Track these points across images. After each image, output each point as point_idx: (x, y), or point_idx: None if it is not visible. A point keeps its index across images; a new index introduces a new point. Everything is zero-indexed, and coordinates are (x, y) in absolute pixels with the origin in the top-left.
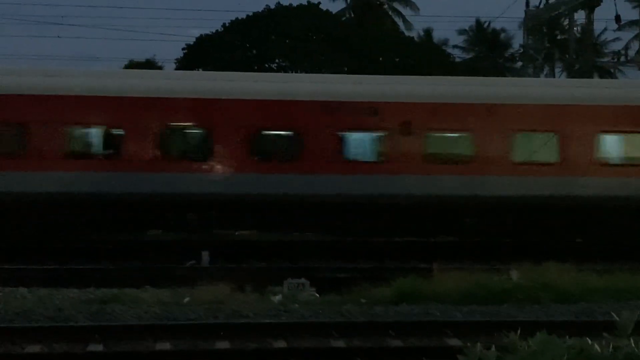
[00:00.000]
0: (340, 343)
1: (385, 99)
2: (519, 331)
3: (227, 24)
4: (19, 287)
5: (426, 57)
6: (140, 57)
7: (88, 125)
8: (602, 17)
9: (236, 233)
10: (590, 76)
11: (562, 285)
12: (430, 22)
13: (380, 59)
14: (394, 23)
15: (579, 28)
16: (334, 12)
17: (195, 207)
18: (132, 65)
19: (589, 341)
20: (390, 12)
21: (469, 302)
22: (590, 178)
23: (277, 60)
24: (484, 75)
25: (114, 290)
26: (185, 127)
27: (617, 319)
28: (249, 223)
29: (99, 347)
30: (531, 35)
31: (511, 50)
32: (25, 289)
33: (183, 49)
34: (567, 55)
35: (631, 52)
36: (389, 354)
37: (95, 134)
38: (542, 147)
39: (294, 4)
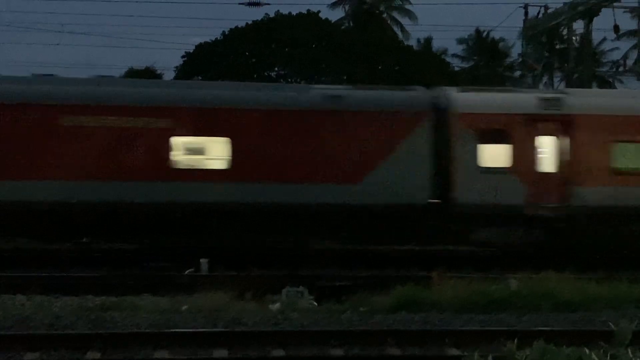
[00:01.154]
0: (339, 351)
1: None
2: (515, 340)
3: (226, 32)
4: (17, 294)
5: (426, 65)
6: (140, 65)
7: None
8: (601, 27)
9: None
10: (590, 86)
11: (560, 294)
12: (429, 31)
13: (380, 67)
14: (393, 32)
15: (577, 37)
16: (333, 21)
17: None
18: (131, 73)
19: (587, 350)
20: (389, 21)
21: (468, 311)
22: None
23: (276, 69)
24: (483, 84)
25: (112, 297)
26: None
27: (615, 328)
28: None
29: (97, 355)
30: (530, 45)
31: (510, 60)
32: (23, 296)
33: (183, 56)
34: (566, 65)
35: (629, 62)
36: None
37: None
38: None
39: (294, 13)
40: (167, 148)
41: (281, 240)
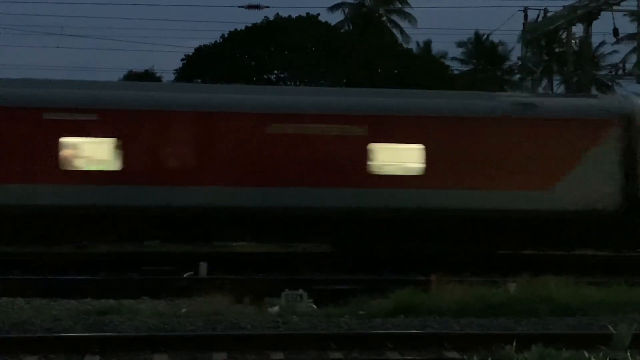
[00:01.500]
0: (338, 355)
1: None
2: (514, 343)
3: (226, 35)
4: (16, 298)
5: (425, 68)
6: (139, 68)
7: None
8: (600, 30)
9: (233, 244)
10: (589, 89)
11: (559, 298)
12: (429, 34)
13: (379, 70)
14: (393, 35)
15: (577, 41)
16: (332, 24)
17: None
18: (130, 76)
19: (586, 354)
20: (388, 24)
21: (467, 315)
22: None
23: (275, 72)
24: (482, 88)
25: (111, 301)
26: None
27: (614, 332)
28: None
29: (96, 358)
30: (529, 48)
31: (509, 63)
32: (22, 300)
33: (182, 59)
34: (565, 68)
35: (629, 66)
36: None
37: None
38: None
39: (293, 16)
40: (365, 155)
41: (470, 246)
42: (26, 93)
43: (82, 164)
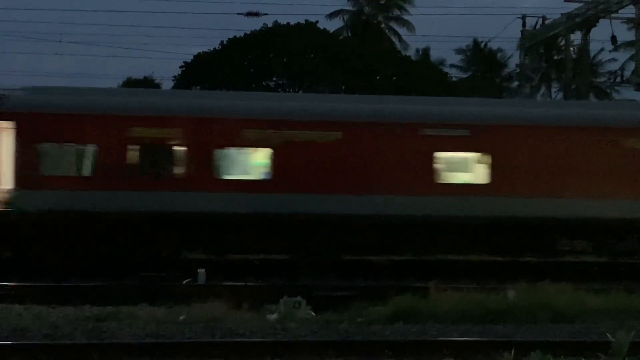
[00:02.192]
0: None
1: None
2: (513, 350)
3: (225, 42)
4: (14, 304)
5: (424, 75)
6: (138, 75)
7: None
8: (599, 37)
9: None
10: (587, 96)
11: (558, 305)
12: (427, 41)
13: (378, 77)
14: (391, 42)
15: (575, 48)
16: (331, 31)
17: None
18: (129, 82)
19: None
20: (387, 31)
21: (466, 321)
22: None
23: (274, 79)
24: (481, 95)
25: (110, 307)
26: None
27: (613, 339)
28: None
29: None
30: (528, 55)
31: (508, 70)
32: (21, 306)
33: (181, 66)
34: (563, 75)
35: (627, 73)
36: None
37: None
38: None
39: (292, 23)
40: None
41: None
42: (405, 109)
43: (452, 178)
